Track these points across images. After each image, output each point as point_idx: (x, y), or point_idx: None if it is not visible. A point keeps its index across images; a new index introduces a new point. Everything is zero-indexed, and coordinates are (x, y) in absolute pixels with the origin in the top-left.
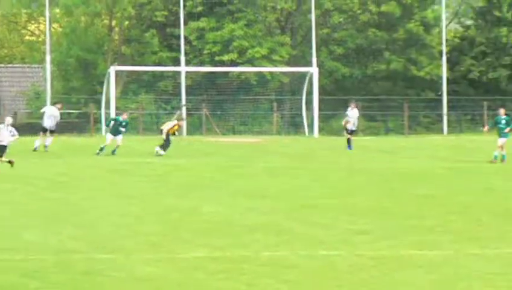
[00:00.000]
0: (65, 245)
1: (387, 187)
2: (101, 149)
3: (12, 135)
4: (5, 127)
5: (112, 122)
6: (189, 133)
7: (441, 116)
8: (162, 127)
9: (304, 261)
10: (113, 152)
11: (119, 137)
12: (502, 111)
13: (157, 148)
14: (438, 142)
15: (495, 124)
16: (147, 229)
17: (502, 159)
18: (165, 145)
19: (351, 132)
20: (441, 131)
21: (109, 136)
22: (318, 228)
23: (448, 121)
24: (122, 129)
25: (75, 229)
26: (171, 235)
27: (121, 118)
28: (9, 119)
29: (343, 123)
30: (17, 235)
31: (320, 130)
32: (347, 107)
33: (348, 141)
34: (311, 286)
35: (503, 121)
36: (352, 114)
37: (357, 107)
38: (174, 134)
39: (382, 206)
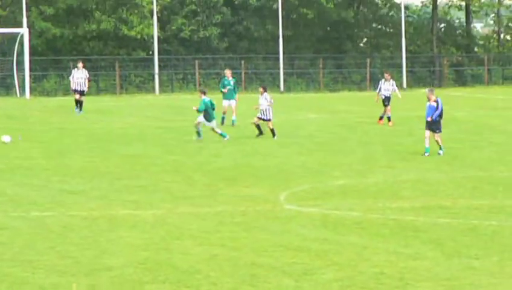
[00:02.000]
0: None
1: (100, 147)
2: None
3: None
4: None
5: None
6: None
7: (152, 75)
8: None
9: (16, 222)
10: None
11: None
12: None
13: None
14: (150, 101)
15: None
16: None
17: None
18: None
19: (79, 92)
20: (152, 90)
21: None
22: (30, 189)
23: (160, 80)
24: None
25: None
26: None
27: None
28: None
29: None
30: None
31: (32, 91)
32: (61, 67)
33: (77, 102)
34: (24, 247)
35: (232, 82)
36: (80, 74)
37: (84, 67)
38: None
39: (95, 166)
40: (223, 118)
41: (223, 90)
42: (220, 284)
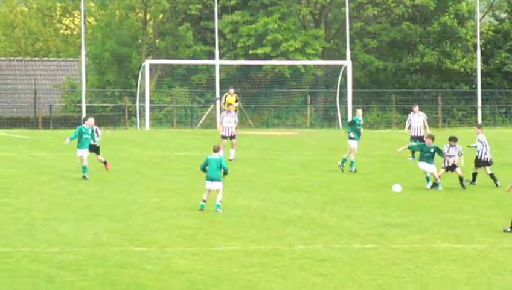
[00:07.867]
0: (100, 238)
1: (422, 180)
2: None
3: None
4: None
5: None
6: None
7: (475, 109)
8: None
9: (338, 254)
10: None
11: None
12: None
13: None
14: (472, 135)
15: None
16: (181, 222)
17: None
18: None
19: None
20: (474, 124)
21: None
22: (352, 221)
23: (483, 114)
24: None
25: (110, 222)
26: (206, 228)
27: None
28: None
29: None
30: (53, 228)
31: None
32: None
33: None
34: (345, 279)
35: None
36: (416, 119)
37: (420, 110)
38: None
39: (416, 199)
40: None
41: None
42: None
